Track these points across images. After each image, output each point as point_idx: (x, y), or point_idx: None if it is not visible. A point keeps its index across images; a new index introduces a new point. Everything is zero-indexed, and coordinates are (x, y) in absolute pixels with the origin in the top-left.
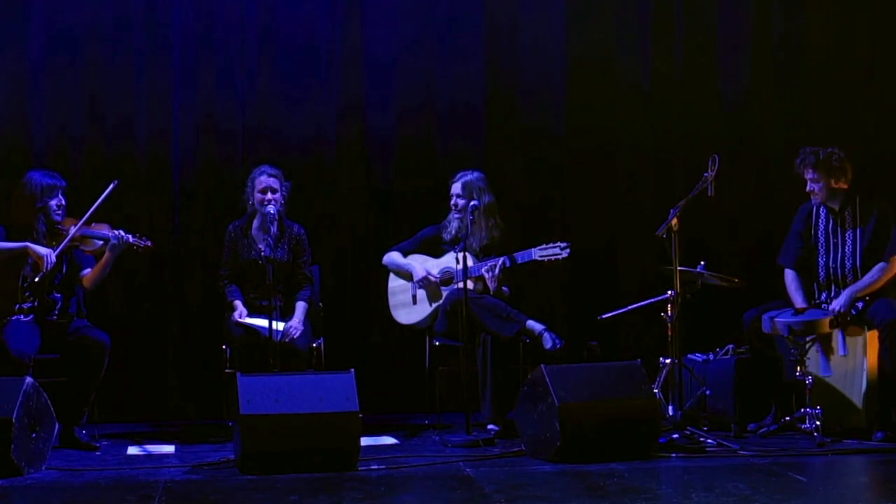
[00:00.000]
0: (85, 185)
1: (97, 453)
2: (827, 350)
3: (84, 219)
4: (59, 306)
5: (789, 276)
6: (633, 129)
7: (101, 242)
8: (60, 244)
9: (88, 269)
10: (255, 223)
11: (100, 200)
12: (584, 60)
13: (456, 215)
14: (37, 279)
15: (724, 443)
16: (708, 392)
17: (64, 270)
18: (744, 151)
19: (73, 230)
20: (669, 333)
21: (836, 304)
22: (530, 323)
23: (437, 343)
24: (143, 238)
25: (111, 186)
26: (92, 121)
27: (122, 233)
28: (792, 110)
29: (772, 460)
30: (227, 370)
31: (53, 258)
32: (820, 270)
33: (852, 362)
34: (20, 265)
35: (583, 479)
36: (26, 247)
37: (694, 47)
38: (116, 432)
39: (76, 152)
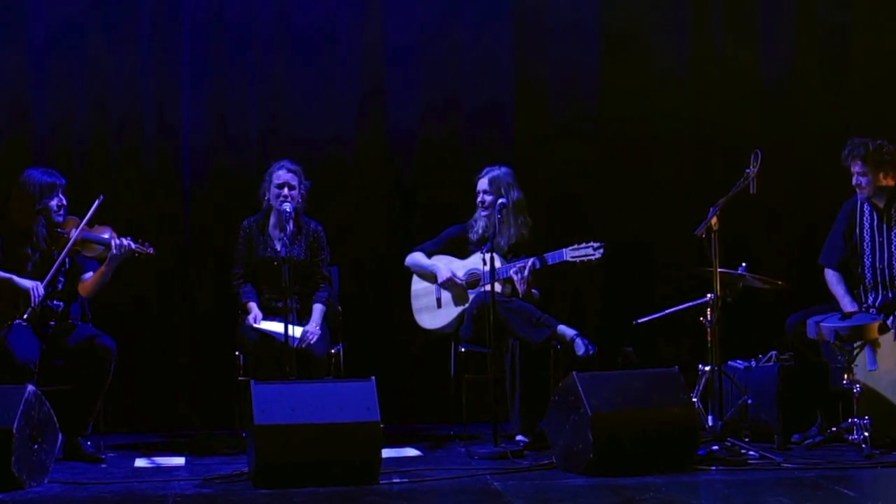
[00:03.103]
0: (89, 183)
1: (103, 466)
2: (875, 346)
3: (83, 223)
4: (59, 311)
5: (832, 276)
6: (670, 120)
7: (102, 247)
8: (52, 267)
9: (90, 273)
10: (272, 221)
11: (87, 218)
12: (619, 46)
13: (483, 213)
14: (25, 316)
15: (767, 455)
16: (750, 401)
17: (66, 268)
18: (787, 143)
19: (74, 233)
20: (709, 339)
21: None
22: (562, 328)
23: (463, 349)
24: (147, 244)
25: (96, 203)
26: (96, 116)
27: (124, 240)
28: (838, 97)
29: (817, 473)
30: (240, 377)
31: (41, 290)
32: (866, 271)
33: None
34: (21, 269)
35: (617, 493)
36: (10, 279)
37: (734, 30)
38: (123, 443)
39: (80, 149)
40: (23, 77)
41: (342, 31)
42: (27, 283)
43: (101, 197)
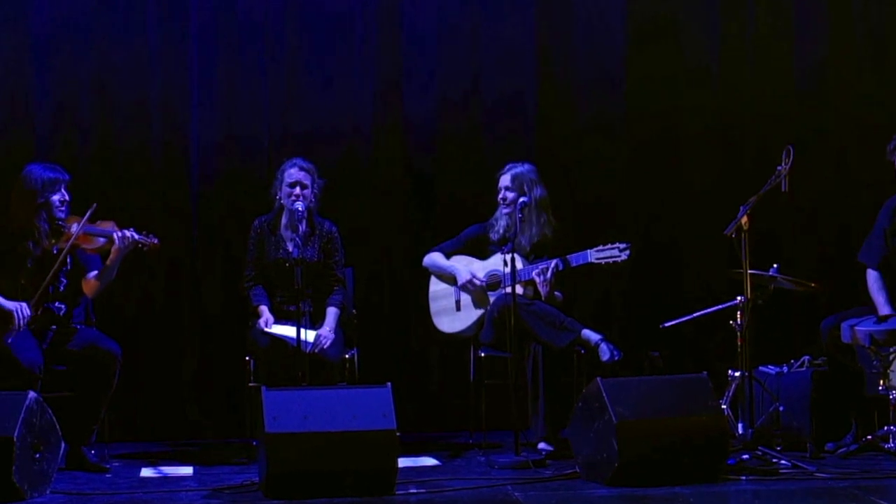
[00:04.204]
0: (92, 180)
1: (107, 475)
2: None
3: (84, 218)
4: (62, 314)
5: (871, 277)
6: (699, 115)
7: (104, 240)
8: (60, 255)
9: (94, 272)
10: (283, 220)
11: (80, 227)
12: (646, 37)
13: (504, 210)
14: (9, 340)
15: (800, 464)
16: (781, 408)
17: (68, 268)
18: (821, 139)
19: (75, 228)
20: (739, 343)
21: None
22: (586, 332)
23: (483, 354)
24: (150, 235)
25: (89, 212)
26: (100, 110)
27: (126, 232)
28: (874, 93)
29: (852, 483)
30: (250, 384)
31: (27, 311)
32: None
33: None
34: (20, 266)
35: None
36: None
37: (767, 22)
38: (128, 452)
39: (83, 145)
40: (23, 69)
41: (357, 20)
42: (9, 304)
43: (94, 206)
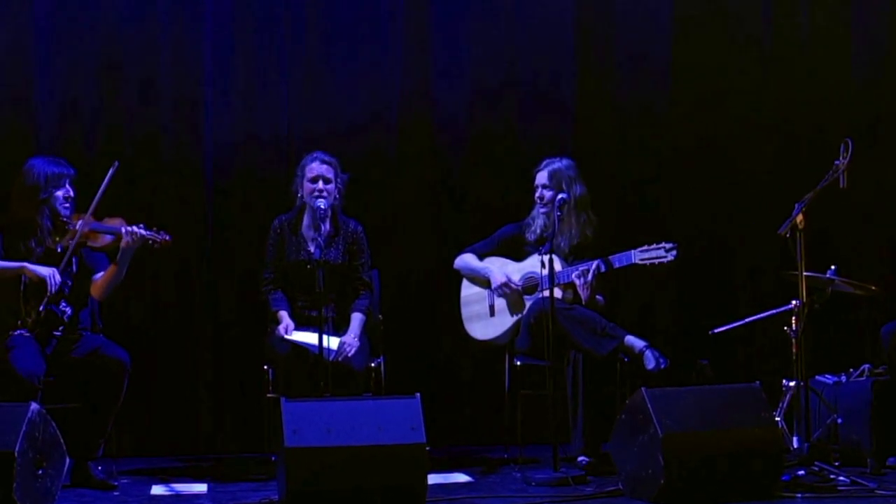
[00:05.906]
0: (98, 173)
1: (115, 493)
2: None
3: (90, 212)
4: (67, 318)
5: None
6: (750, 106)
7: (111, 237)
8: (65, 253)
9: (101, 273)
10: (306, 219)
11: (102, 189)
12: (693, 20)
13: (541, 209)
14: (41, 308)
15: (859, 480)
16: (840, 420)
17: (74, 270)
18: (882, 130)
19: (80, 224)
20: (794, 351)
21: None
22: (629, 339)
23: (519, 362)
24: (161, 232)
25: (111, 170)
26: (107, 98)
27: (135, 228)
28: None
29: None
30: (269, 394)
31: (58, 277)
32: None
33: None
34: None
35: None
36: (23, 267)
37: (823, 2)
38: (138, 468)
39: (88, 135)
40: (25, 55)
41: (384, 5)
42: (43, 269)
43: (116, 164)
